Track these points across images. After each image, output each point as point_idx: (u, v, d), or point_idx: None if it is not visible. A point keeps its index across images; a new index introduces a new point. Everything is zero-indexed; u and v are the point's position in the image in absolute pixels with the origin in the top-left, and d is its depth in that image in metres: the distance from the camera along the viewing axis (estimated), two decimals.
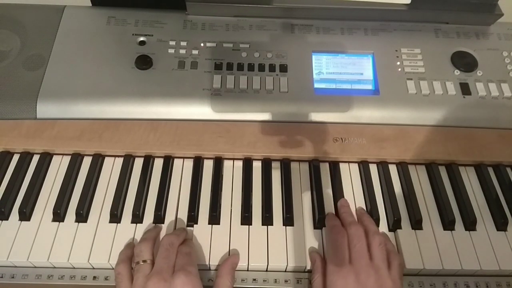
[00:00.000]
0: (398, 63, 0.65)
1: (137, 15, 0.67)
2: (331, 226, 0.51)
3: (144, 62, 0.62)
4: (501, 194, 0.57)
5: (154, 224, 0.52)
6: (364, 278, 0.44)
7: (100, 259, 0.49)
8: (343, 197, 0.55)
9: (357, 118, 0.61)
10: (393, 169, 0.59)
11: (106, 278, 0.50)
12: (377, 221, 0.53)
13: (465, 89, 0.63)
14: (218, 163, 0.57)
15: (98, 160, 0.57)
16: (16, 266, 0.50)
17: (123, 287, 0.45)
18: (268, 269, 0.50)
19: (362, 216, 0.53)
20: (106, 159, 0.58)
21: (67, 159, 0.57)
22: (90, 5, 0.68)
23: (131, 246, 0.50)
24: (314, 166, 0.57)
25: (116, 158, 0.58)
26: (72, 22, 0.66)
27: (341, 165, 0.58)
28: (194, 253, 0.49)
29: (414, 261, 0.50)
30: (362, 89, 0.64)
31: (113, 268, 0.50)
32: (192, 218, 0.53)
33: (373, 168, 0.59)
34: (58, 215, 0.52)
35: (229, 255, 0.50)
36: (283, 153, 0.58)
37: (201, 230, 0.52)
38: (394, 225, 0.53)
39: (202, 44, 0.65)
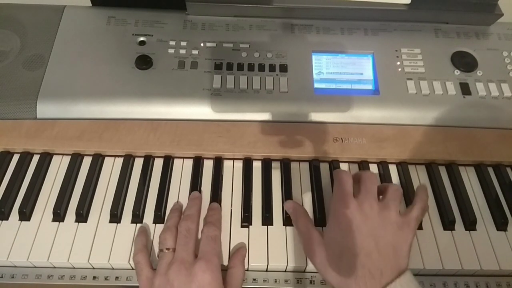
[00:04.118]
0: (398, 63, 0.65)
1: (137, 15, 0.67)
2: (338, 171, 0.51)
3: (144, 62, 0.62)
4: (501, 194, 0.57)
5: (154, 225, 0.52)
6: (367, 208, 0.45)
7: (100, 259, 0.49)
8: None
9: (357, 118, 0.61)
10: (393, 169, 0.59)
11: (106, 278, 0.50)
12: None
13: (465, 89, 0.63)
14: (218, 163, 0.57)
15: (98, 160, 0.57)
16: (16, 266, 0.50)
17: (144, 275, 0.46)
18: (268, 269, 0.50)
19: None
20: (106, 159, 0.58)
21: (67, 159, 0.57)
22: (90, 5, 0.68)
23: (144, 233, 0.51)
24: (314, 166, 0.57)
25: (116, 158, 0.58)
26: (72, 22, 0.66)
27: (341, 165, 0.58)
28: (220, 235, 0.49)
29: (414, 261, 0.50)
30: (362, 89, 0.64)
31: (113, 268, 0.50)
32: None
33: (373, 168, 0.58)
34: (58, 215, 0.52)
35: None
36: (283, 153, 0.58)
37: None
38: None
39: (202, 44, 0.65)
